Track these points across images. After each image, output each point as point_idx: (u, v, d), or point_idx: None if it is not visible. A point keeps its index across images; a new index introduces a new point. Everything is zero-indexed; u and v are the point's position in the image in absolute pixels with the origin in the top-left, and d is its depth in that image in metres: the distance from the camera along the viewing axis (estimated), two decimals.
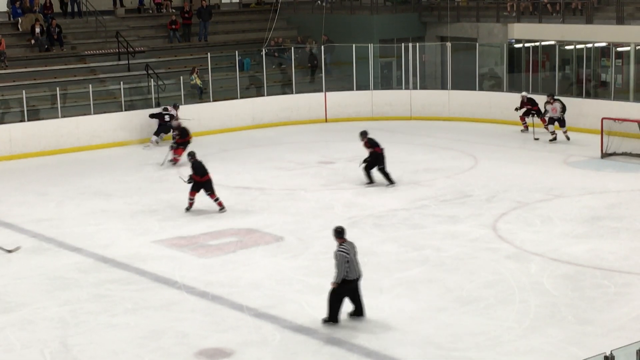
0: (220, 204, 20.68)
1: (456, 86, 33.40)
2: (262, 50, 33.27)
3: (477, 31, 35.09)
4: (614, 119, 25.68)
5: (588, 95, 30.84)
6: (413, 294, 15.17)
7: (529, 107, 29.20)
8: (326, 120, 33.12)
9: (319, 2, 39.39)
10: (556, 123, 27.70)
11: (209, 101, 31.66)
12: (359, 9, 38.50)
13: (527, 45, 33.20)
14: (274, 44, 35.31)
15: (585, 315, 13.97)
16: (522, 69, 33.66)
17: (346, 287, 13.83)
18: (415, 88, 33.91)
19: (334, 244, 17.91)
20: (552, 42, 32.20)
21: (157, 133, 29.20)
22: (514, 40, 33.82)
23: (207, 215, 20.47)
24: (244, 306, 14.69)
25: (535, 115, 28.88)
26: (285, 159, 26.36)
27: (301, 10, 39.58)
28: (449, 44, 33.91)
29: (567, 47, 32.08)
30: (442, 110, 33.07)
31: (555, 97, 27.83)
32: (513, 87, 33.02)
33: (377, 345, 13.04)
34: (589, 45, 31.35)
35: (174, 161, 25.95)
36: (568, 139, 27.55)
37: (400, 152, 27.00)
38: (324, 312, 14.36)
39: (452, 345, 12.99)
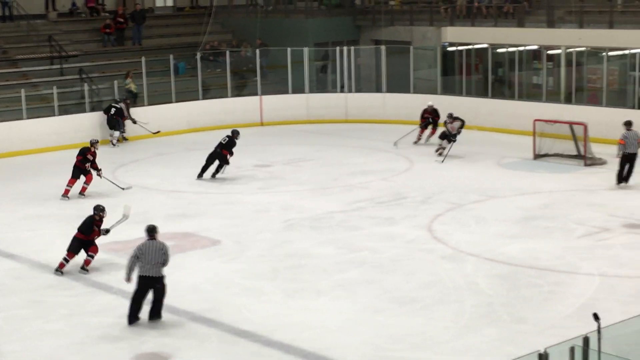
0: (87, 263, 17.02)
1: (391, 89, 33.61)
2: (197, 54, 33.16)
3: (411, 35, 35.35)
4: (546, 121, 26.04)
5: (521, 97, 31.25)
6: (351, 296, 15.25)
7: (432, 117, 28.72)
8: (262, 124, 33.11)
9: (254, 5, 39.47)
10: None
11: (144, 105, 31.45)
12: (293, 12, 38.55)
13: (460, 48, 33.54)
14: (209, 47, 35.21)
15: (520, 314, 14.17)
16: (455, 72, 34.03)
17: (142, 283, 13.98)
18: (350, 91, 34.06)
19: (271, 246, 18.04)
20: (485, 46, 32.58)
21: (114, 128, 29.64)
22: (447, 44, 34.15)
23: (143, 219, 20.31)
24: (181, 310, 14.64)
25: (433, 126, 28.75)
26: None
27: (236, 14, 39.51)
28: (383, 47, 34.11)
29: (500, 50, 32.47)
30: (377, 112, 33.25)
31: (455, 116, 26.87)
32: (447, 90, 33.35)
33: (315, 347, 13.08)
34: (521, 48, 31.78)
35: (83, 191, 22.72)
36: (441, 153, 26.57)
37: (336, 154, 27.12)
38: (262, 314, 14.40)
39: (389, 346, 13.09)
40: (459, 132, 26.53)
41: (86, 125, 29.50)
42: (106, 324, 14.12)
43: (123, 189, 22.86)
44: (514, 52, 31.80)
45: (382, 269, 16.56)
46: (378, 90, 34.32)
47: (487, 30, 33.11)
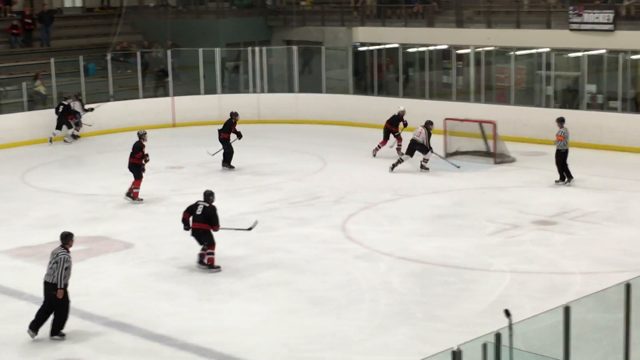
0: (211, 261, 16.72)
1: (303, 89, 33.71)
2: (107, 55, 32.77)
3: (323, 35, 35.49)
4: (456, 120, 26.37)
5: (431, 96, 31.59)
6: (265, 297, 15.25)
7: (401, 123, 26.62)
8: (174, 125, 32.88)
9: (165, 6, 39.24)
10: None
11: (53, 107, 30.93)
12: (204, 13, 38.39)
13: (371, 48, 33.78)
14: (120, 48, 34.85)
15: (433, 312, 14.33)
16: (367, 72, 34.28)
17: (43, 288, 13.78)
18: (262, 91, 34.04)
19: (184, 248, 17.92)
20: (396, 45, 32.86)
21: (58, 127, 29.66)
22: (358, 44, 34.37)
23: (53, 223, 20.04)
24: (94, 315, 14.47)
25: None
26: None
27: (146, 14, 39.17)
28: (295, 48, 34.17)
29: (410, 50, 32.79)
30: (290, 113, 33.29)
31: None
32: (359, 90, 33.60)
33: (231, 350, 13.06)
34: (431, 48, 32.14)
35: (135, 196, 21.87)
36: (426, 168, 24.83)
37: (249, 155, 27.05)
38: (176, 318, 14.32)
39: (304, 347, 13.13)
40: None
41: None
42: (17, 332, 13.85)
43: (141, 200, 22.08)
44: (424, 52, 32.15)
45: (296, 270, 16.60)
46: (290, 90, 34.37)
47: (398, 30, 33.44)
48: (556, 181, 22.60)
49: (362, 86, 34.30)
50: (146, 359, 12.93)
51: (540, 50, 29.67)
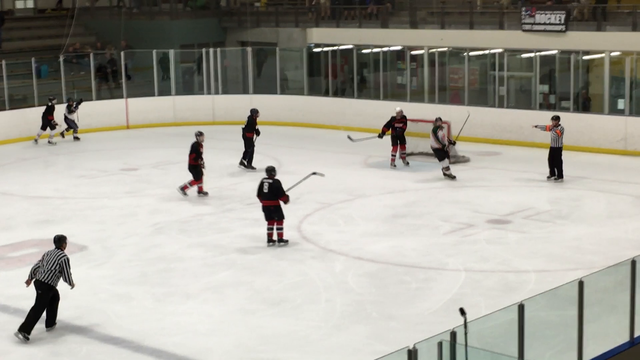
0: (280, 235, 17.94)
1: (258, 90, 33.66)
2: (59, 57, 32.49)
3: (277, 36, 35.47)
4: (411, 120, 26.44)
5: (386, 97, 31.70)
6: (221, 298, 15.21)
7: (401, 125, 25.52)
8: (128, 127, 32.69)
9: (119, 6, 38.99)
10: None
11: (5, 109, 30.64)
12: (158, 14, 38.23)
13: (326, 49, 33.84)
14: (72, 50, 34.58)
15: (389, 311, 14.38)
16: (322, 73, 34.31)
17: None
18: (217, 93, 33.96)
19: (139, 251, 17.83)
20: (350, 46, 32.95)
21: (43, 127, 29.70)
22: (313, 45, 34.41)
23: (5, 226, 19.84)
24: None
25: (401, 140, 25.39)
26: (87, 167, 25.85)
27: (99, 15, 38.91)
28: (249, 49, 34.12)
29: (365, 51, 32.90)
30: (245, 114, 33.03)
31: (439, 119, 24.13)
32: (313, 91, 33.62)
33: (187, 351, 13.00)
34: (385, 49, 32.27)
35: (200, 190, 22.31)
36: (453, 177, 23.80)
37: (204, 157, 26.93)
38: (131, 320, 14.23)
39: (261, 347, 13.11)
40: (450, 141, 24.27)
41: None
42: None
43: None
44: (378, 53, 32.27)
45: (252, 270, 16.58)
46: (245, 91, 34.31)
47: (352, 31, 33.53)
48: (548, 177, 22.89)
49: (317, 87, 34.33)
50: None
51: (493, 50, 29.91)
